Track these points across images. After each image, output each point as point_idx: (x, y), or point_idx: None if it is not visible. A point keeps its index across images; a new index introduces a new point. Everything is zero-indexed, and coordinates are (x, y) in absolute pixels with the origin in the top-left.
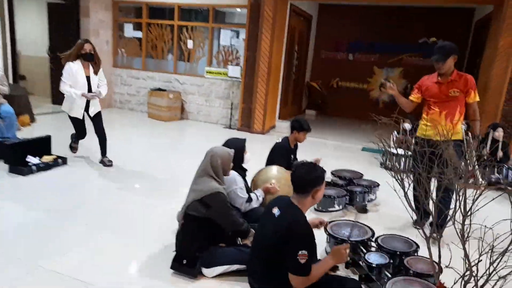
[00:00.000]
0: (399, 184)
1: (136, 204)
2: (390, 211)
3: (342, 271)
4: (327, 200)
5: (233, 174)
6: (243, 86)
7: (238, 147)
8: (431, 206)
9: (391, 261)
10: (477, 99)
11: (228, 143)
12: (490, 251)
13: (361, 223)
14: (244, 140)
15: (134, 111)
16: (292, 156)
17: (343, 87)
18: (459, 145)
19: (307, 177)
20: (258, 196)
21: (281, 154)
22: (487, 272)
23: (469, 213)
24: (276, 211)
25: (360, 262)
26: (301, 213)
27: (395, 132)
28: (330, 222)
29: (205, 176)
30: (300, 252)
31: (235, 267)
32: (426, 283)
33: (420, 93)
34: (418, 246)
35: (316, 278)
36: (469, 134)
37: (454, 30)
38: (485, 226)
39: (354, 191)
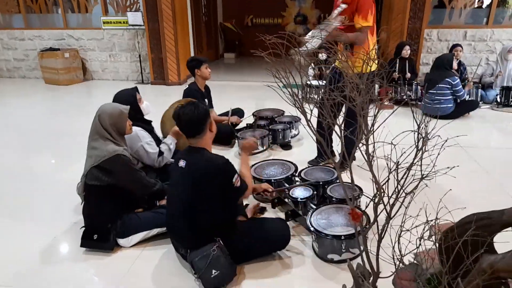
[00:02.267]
0: (302, 113)
1: (36, 182)
2: (313, 143)
3: (270, 212)
4: None
5: (135, 130)
6: (148, 34)
7: (128, 99)
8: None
9: (315, 192)
10: (362, 24)
11: (117, 98)
12: (395, 168)
13: (283, 160)
14: (133, 90)
15: (27, 79)
16: (206, 101)
17: (258, 24)
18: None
19: (194, 116)
20: (169, 144)
21: (194, 98)
22: (396, 190)
23: (371, 131)
24: (182, 163)
25: (285, 199)
26: (206, 151)
27: (312, 65)
28: (254, 165)
29: (100, 138)
30: (233, 180)
31: (155, 231)
32: (347, 208)
33: None
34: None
35: (249, 178)
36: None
37: None
38: (391, 143)
39: (276, 129)
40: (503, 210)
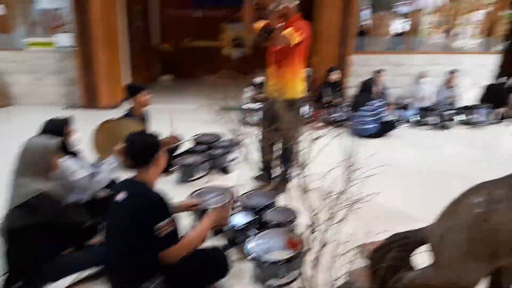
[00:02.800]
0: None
1: None
2: (253, 165)
3: (212, 240)
4: (188, 169)
5: (64, 162)
6: (79, 56)
7: (56, 131)
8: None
9: (256, 217)
10: (292, 36)
11: (45, 129)
12: (328, 196)
13: (223, 185)
14: (63, 121)
15: None
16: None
17: (196, 47)
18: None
19: (143, 147)
20: (112, 163)
21: None
22: (329, 217)
23: (306, 164)
24: (121, 195)
25: (224, 228)
26: (147, 188)
27: (250, 87)
28: (193, 192)
29: (23, 176)
30: (160, 225)
31: (88, 272)
32: (286, 230)
33: None
34: (277, 196)
35: (190, 244)
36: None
37: None
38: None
39: (215, 154)
40: (418, 230)
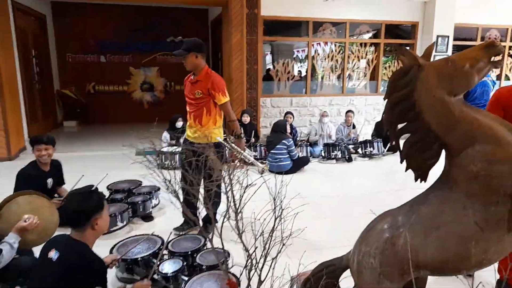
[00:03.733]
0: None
1: None
2: (176, 210)
3: None
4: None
5: None
6: None
7: None
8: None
9: (185, 263)
10: (223, 100)
11: None
12: (261, 235)
13: (148, 234)
14: None
15: None
16: (50, 181)
17: (102, 91)
18: (217, 146)
19: (79, 208)
20: (11, 243)
21: (26, 183)
22: (263, 255)
23: (240, 210)
24: (53, 254)
25: (154, 276)
26: (86, 246)
27: (165, 132)
28: (116, 244)
29: None
30: None
31: None
32: (219, 273)
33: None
34: (206, 239)
35: None
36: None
37: (195, 28)
38: (255, 218)
39: (135, 202)
40: (342, 257)
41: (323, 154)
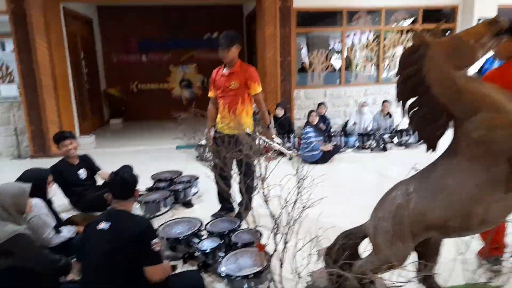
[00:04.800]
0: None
1: None
2: (214, 197)
3: (181, 268)
4: (152, 205)
5: (34, 200)
6: (25, 105)
7: (38, 177)
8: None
9: (222, 241)
10: (258, 90)
11: (24, 176)
12: (285, 204)
13: (188, 217)
14: (44, 171)
15: None
16: (81, 172)
17: (144, 90)
18: (247, 134)
19: (132, 181)
20: (68, 231)
21: (58, 178)
22: (288, 220)
23: (265, 178)
24: (103, 225)
25: (195, 253)
26: (132, 214)
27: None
28: (161, 225)
29: None
30: (153, 242)
31: None
32: (253, 250)
33: (213, 87)
34: (241, 221)
35: (167, 269)
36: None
37: (230, 24)
38: (279, 185)
39: (176, 190)
40: (361, 225)
41: (357, 144)
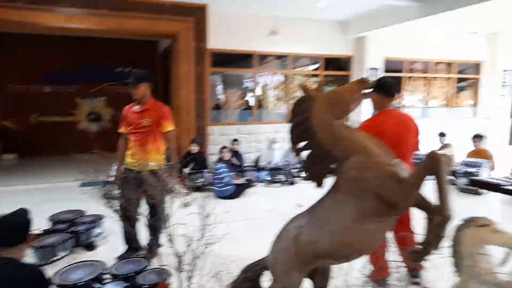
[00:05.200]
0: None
1: None
2: (120, 238)
3: None
4: (48, 250)
5: None
6: None
7: None
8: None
9: (127, 284)
10: (170, 128)
11: None
12: (190, 241)
13: (92, 261)
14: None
15: None
16: None
17: (46, 123)
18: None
19: (23, 224)
20: None
21: None
22: (193, 257)
23: (171, 216)
24: None
25: None
26: (21, 263)
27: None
28: (58, 271)
29: None
30: None
31: None
32: None
33: (125, 123)
34: (148, 261)
35: None
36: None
37: (143, 59)
38: (185, 223)
39: (77, 231)
40: (263, 258)
41: (268, 178)
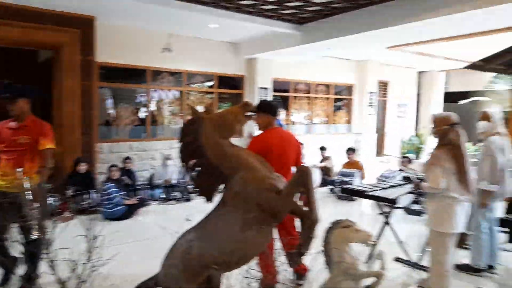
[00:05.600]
0: None
1: None
2: None
3: None
4: None
5: None
6: None
7: None
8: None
9: None
10: (47, 146)
11: None
12: (75, 266)
13: None
14: None
15: None
16: None
17: None
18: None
19: None
20: None
21: None
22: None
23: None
24: None
25: None
26: None
27: None
28: None
29: None
30: None
31: None
32: None
33: None
34: None
35: None
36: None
37: (22, 70)
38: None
39: None
40: (154, 275)
41: (163, 196)
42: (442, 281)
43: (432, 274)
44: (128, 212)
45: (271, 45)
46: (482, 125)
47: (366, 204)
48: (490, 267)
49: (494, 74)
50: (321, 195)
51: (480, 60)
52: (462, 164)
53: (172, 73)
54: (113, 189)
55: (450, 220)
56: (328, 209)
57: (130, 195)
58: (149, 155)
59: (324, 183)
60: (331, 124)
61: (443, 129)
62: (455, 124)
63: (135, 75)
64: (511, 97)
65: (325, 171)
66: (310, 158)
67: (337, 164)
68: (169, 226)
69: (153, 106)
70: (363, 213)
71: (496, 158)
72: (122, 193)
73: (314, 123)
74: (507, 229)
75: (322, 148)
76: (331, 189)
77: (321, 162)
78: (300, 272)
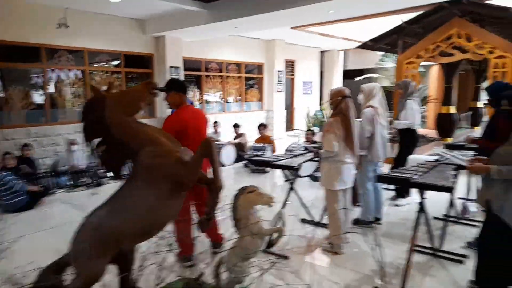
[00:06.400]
0: None
1: None
2: None
3: None
4: None
5: None
6: None
7: None
8: None
9: None
10: None
11: None
12: None
13: None
14: None
15: None
16: None
17: None
18: None
19: None
20: None
21: None
22: None
23: None
24: None
25: None
26: None
27: None
28: None
29: None
30: None
31: None
32: None
33: None
34: None
35: None
36: None
37: None
38: None
39: None
40: (63, 255)
41: (71, 183)
42: (338, 230)
43: (330, 226)
44: (32, 202)
45: (178, 23)
46: (359, 98)
47: (277, 176)
48: (377, 219)
49: (383, 52)
50: (236, 170)
51: (370, 40)
52: (349, 131)
53: (71, 51)
54: (10, 177)
55: (338, 179)
56: (244, 183)
57: (32, 184)
58: (51, 141)
59: (239, 159)
60: (244, 102)
61: (336, 100)
62: (346, 96)
63: (28, 53)
64: (395, 73)
65: (240, 147)
66: (225, 135)
67: (251, 140)
68: (77, 214)
69: (51, 88)
70: (275, 184)
71: (365, 127)
72: (22, 181)
73: (228, 102)
74: (392, 186)
75: (236, 125)
76: (245, 164)
77: (235, 138)
78: (217, 241)
